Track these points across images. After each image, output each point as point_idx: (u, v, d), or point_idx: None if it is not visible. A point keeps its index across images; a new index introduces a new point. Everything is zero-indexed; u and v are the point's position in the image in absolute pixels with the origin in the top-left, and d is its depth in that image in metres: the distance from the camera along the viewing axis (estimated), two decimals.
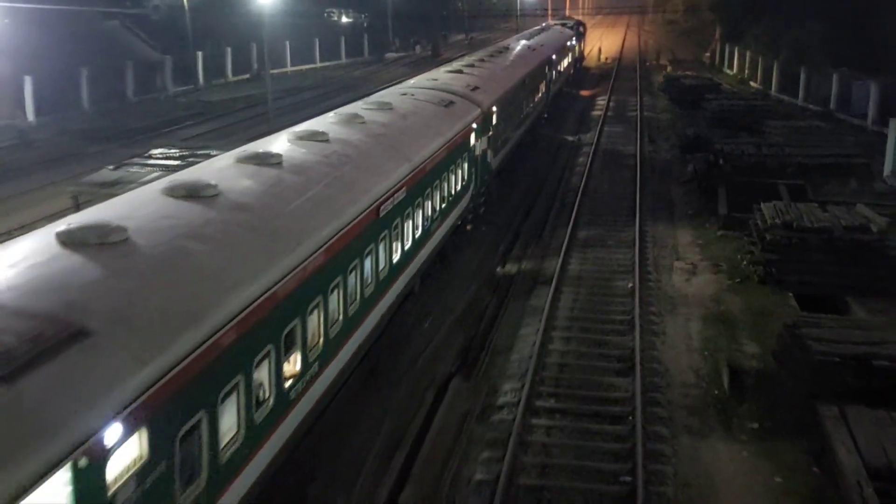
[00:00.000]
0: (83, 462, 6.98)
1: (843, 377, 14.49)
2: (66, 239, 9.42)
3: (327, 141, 16.38)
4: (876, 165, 33.19)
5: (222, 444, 9.55)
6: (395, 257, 16.94)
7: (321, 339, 12.60)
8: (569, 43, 68.81)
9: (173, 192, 11.60)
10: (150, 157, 37.61)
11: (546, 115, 48.67)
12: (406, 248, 17.80)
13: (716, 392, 16.38)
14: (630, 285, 21.82)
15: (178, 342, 8.56)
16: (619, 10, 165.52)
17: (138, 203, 11.39)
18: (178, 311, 8.94)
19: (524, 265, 24.27)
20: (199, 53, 64.95)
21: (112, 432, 7.36)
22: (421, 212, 19.15)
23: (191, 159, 34.81)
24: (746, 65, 68.49)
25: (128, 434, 7.62)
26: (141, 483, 7.88)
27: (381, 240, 15.86)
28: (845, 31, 54.16)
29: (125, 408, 7.55)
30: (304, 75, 73.10)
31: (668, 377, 17.04)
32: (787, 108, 51.10)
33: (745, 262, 23.02)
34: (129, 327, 8.25)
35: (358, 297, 14.40)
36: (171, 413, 8.32)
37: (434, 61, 74.82)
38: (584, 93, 64.67)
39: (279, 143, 16.06)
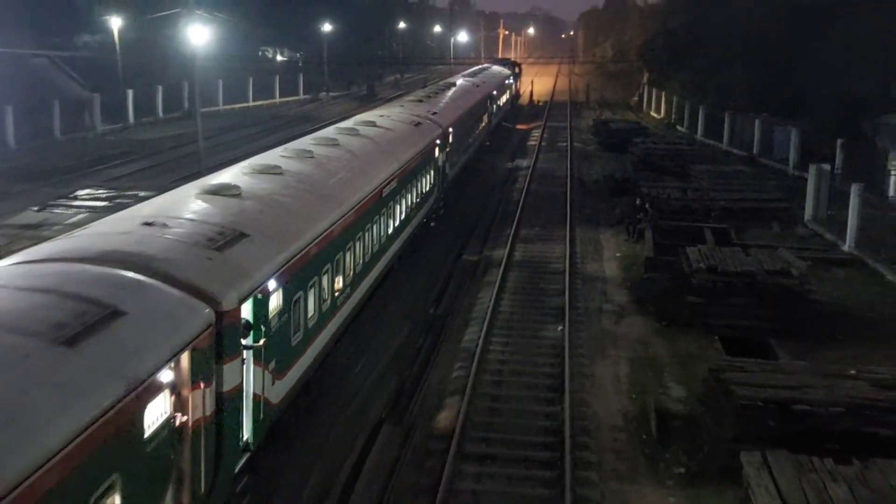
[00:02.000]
0: (260, 296, 12.52)
1: (766, 422, 14.76)
2: (209, 190, 15.22)
3: (337, 145, 22.42)
4: (797, 210, 34.09)
5: (308, 316, 15.27)
6: (392, 226, 23.60)
7: (352, 272, 18.74)
8: (507, 81, 76.63)
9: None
10: (76, 197, 37.25)
11: (488, 143, 55.58)
12: (400, 221, 24.63)
13: (644, 436, 16.57)
14: (560, 328, 22.02)
15: (292, 246, 14.42)
16: (551, 54, 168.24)
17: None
18: (289, 229, 14.93)
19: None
20: (130, 91, 64.32)
21: (269, 284, 12.90)
22: (409, 196, 26.13)
23: (118, 200, 34.62)
24: (673, 109, 69.98)
25: (275, 288, 13.20)
26: (278, 318, 13.49)
27: (384, 213, 22.32)
28: (767, 78, 55.72)
29: (273, 272, 13.17)
30: (239, 113, 72.72)
31: (597, 420, 17.21)
32: (712, 152, 52.36)
33: (671, 306, 23.38)
34: (266, 233, 13.92)
35: (371, 251, 20.73)
36: (289, 285, 13.96)
37: (371, 101, 75.24)
38: (521, 126, 71.16)
39: (320, 140, 22.85)
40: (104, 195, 37.50)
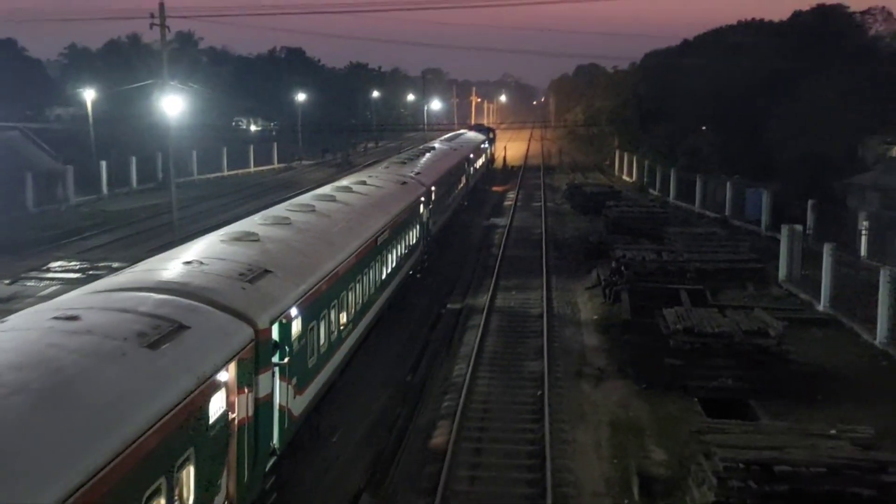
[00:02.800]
0: (284, 321, 14.91)
1: (748, 483, 14.66)
2: (232, 237, 17.95)
3: (335, 200, 24.86)
4: (771, 270, 34.31)
5: (320, 343, 17.74)
6: (386, 272, 26.04)
7: (354, 310, 21.23)
8: (482, 145, 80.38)
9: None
10: (49, 269, 36.98)
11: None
12: (391, 268, 27.12)
13: (626, 501, 16.41)
14: (539, 392, 21.91)
15: (307, 281, 16.94)
16: (524, 120, 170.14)
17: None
18: (303, 268, 17.38)
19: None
20: (103, 163, 64.33)
21: (291, 311, 15.35)
22: (399, 246, 28.83)
23: (91, 272, 34.38)
24: (644, 172, 70.70)
25: (295, 315, 15.55)
26: (298, 342, 15.89)
27: (378, 259, 24.83)
28: (736, 141, 56.58)
29: (294, 302, 15.59)
30: (214, 183, 72.74)
31: (578, 486, 17.04)
32: (685, 214, 52.83)
33: (650, 368, 23.33)
34: (287, 269, 16.54)
35: (368, 293, 23.18)
36: (306, 314, 16.32)
37: (346, 169, 75.57)
38: (497, 188, 74.21)
39: (313, 200, 24.89)
40: (77, 267, 37.25)
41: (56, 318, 11.20)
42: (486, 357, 25.33)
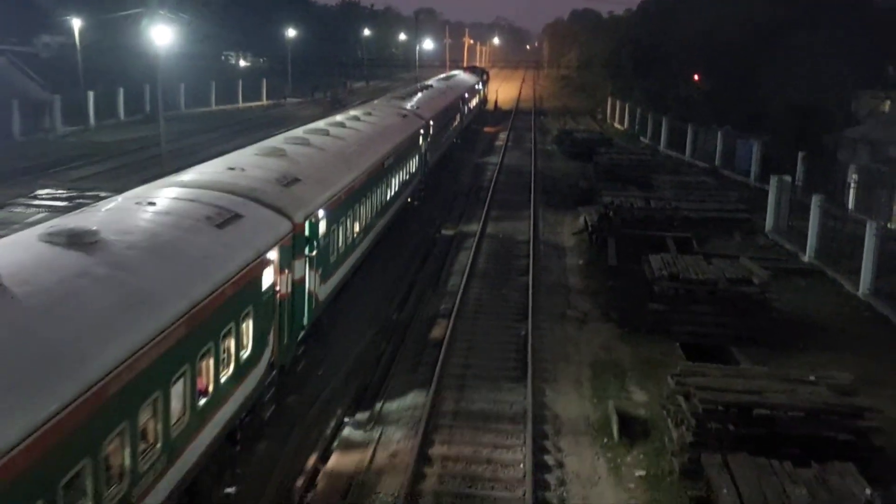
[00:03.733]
0: (313, 220, 17.70)
1: (727, 425, 14.86)
2: (263, 152, 20.79)
3: (345, 127, 27.80)
4: (758, 220, 34.43)
5: (339, 244, 20.96)
6: (390, 194, 29.15)
7: (364, 222, 24.39)
8: (476, 86, 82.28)
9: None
10: (36, 197, 36.78)
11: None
12: (395, 191, 30.21)
13: (605, 440, 16.62)
14: (523, 332, 22.08)
15: (330, 190, 19.88)
16: (516, 63, 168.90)
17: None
18: (326, 179, 20.32)
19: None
20: (91, 93, 63.67)
21: (319, 213, 18.33)
22: (402, 172, 31.91)
23: (79, 200, 34.20)
24: (636, 120, 70.48)
25: (321, 216, 18.61)
26: (324, 240, 18.78)
27: (384, 181, 27.95)
28: (729, 91, 56.34)
29: (321, 205, 18.56)
30: (202, 117, 72.14)
31: (558, 423, 17.24)
32: (675, 163, 52.77)
33: (633, 312, 23.50)
34: (313, 179, 19.22)
35: (375, 210, 26.11)
36: (330, 217, 19.37)
37: (335, 108, 75.01)
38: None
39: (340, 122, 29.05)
40: (64, 195, 37.06)
41: (138, 203, 14.26)
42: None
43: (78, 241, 11.05)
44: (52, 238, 11.03)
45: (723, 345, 21.69)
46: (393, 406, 18.09)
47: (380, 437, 16.58)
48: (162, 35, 45.00)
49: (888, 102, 52.72)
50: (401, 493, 14.13)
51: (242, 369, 13.80)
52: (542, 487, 14.61)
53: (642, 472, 15.34)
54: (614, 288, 26.50)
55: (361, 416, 17.74)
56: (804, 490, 12.74)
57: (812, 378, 16.45)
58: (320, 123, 28.79)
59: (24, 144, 53.56)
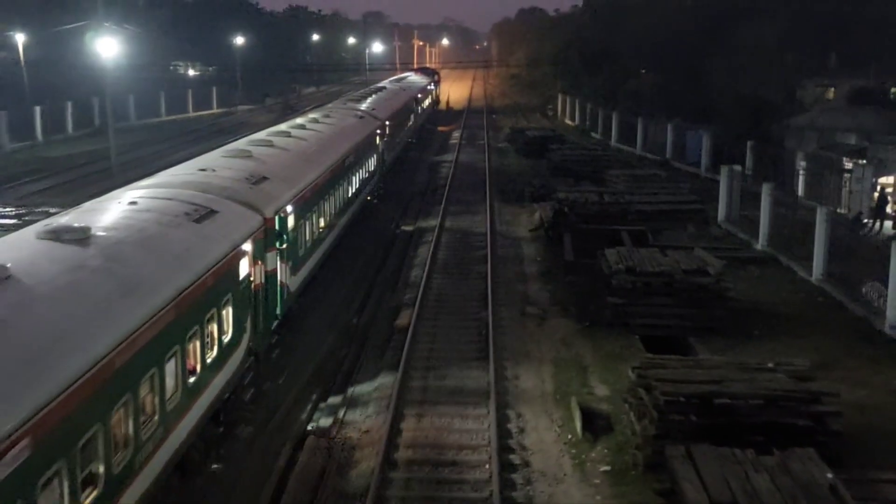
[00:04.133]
0: (282, 215, 18.91)
1: (688, 416, 14.98)
2: (230, 154, 22.25)
3: (306, 129, 29.44)
4: (711, 211, 34.77)
5: (307, 238, 22.41)
6: (351, 191, 30.90)
7: (329, 217, 26.24)
8: (428, 87, 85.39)
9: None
10: None
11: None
12: (355, 188, 31.87)
13: (569, 436, 16.69)
14: (484, 332, 22.11)
15: (296, 187, 21.29)
16: (466, 63, 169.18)
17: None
18: (292, 177, 21.79)
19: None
20: (38, 108, 62.76)
21: (287, 208, 19.67)
22: (361, 170, 33.57)
23: (27, 217, 33.68)
24: (587, 116, 70.87)
25: (290, 211, 19.77)
26: (292, 234, 20.11)
27: (346, 178, 29.69)
28: (677, 84, 56.86)
29: (288, 200, 19.95)
30: (152, 128, 71.35)
31: (521, 421, 17.29)
32: (627, 157, 53.14)
33: (592, 307, 23.62)
34: (279, 178, 20.32)
35: (338, 205, 27.83)
36: (297, 212, 20.70)
37: (287, 114, 74.58)
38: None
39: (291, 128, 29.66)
40: (13, 213, 36.51)
41: (119, 202, 15.50)
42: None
43: (72, 237, 12.26)
44: (48, 235, 12.20)
45: (681, 336, 21.89)
46: (364, 388, 19.31)
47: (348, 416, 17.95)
48: (108, 47, 44.57)
49: (833, 90, 53.57)
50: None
51: (225, 352, 15.15)
52: (508, 487, 14.62)
53: (607, 468, 15.42)
54: (572, 283, 26.63)
55: (334, 399, 18.93)
56: (767, 477, 12.87)
57: (770, 365, 16.64)
58: (282, 126, 30.74)
59: None
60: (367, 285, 28.00)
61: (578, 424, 16.92)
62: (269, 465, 15.78)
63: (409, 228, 36.06)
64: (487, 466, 15.25)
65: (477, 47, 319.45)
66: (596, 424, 17.01)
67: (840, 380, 18.12)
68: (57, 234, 12.19)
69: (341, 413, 18.02)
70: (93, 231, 12.71)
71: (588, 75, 73.68)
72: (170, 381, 12.43)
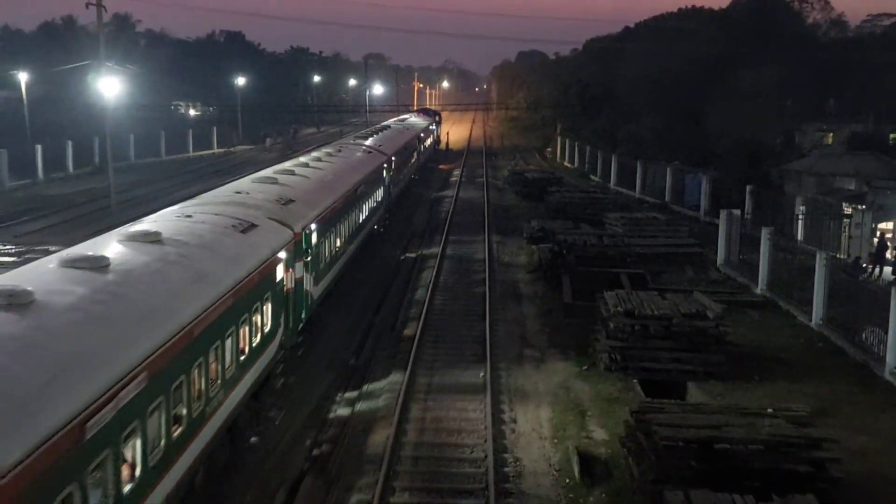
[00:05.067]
0: (307, 231, 22.47)
1: (688, 461, 14.85)
2: (258, 179, 25.96)
3: (321, 161, 32.79)
4: (710, 254, 34.76)
5: (326, 254, 25.54)
6: (362, 217, 34.17)
7: (345, 237, 29.59)
8: (430, 126, 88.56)
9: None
10: None
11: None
12: (365, 215, 35.18)
13: (567, 480, 16.53)
14: (482, 374, 22.00)
15: (318, 208, 24.41)
16: (466, 105, 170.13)
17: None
18: (313, 200, 24.86)
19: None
20: (38, 147, 62.94)
21: (311, 226, 23.03)
22: (370, 199, 37.00)
23: (27, 255, 33.63)
24: (586, 158, 71.07)
25: (313, 229, 23.25)
26: (315, 248, 23.45)
27: (358, 205, 33.02)
28: (676, 128, 57.09)
29: (312, 219, 23.29)
30: (152, 167, 71.50)
31: (519, 466, 17.13)
32: (626, 199, 53.18)
33: (590, 350, 23.52)
34: (303, 201, 23.45)
35: (351, 229, 30.86)
36: (319, 230, 23.89)
37: (287, 155, 74.83)
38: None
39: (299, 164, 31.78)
40: (13, 251, 36.48)
41: (178, 216, 18.56)
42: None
43: (150, 239, 15.25)
44: (131, 237, 15.30)
45: (680, 380, 21.76)
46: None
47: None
48: (109, 87, 44.72)
49: (831, 135, 53.78)
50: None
51: (264, 341, 18.12)
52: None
53: None
54: (570, 325, 26.54)
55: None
56: None
57: (770, 411, 16.53)
58: (300, 158, 34.29)
59: None
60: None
61: (576, 468, 16.76)
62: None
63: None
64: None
65: (477, 89, 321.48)
66: (594, 469, 16.85)
67: (840, 426, 18.00)
68: (138, 237, 15.26)
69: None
70: (164, 235, 15.71)
71: (587, 118, 74.05)
72: (228, 355, 15.32)
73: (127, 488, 10.90)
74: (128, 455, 11.02)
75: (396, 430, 18.28)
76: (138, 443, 11.25)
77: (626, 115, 67.27)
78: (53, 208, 49.52)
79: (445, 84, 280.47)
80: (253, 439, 18.08)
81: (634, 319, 22.42)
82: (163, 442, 12.23)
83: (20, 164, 60.94)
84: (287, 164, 31.17)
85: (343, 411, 20.53)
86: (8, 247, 37.57)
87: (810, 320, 26.37)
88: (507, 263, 36.14)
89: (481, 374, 22.13)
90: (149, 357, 11.53)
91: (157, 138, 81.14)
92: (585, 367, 22.80)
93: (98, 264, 12.90)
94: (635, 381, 21.74)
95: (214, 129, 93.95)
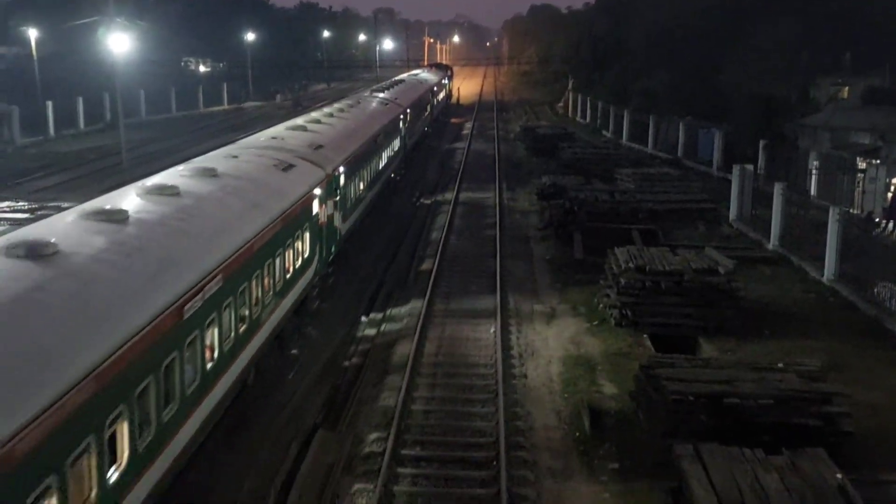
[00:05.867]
0: (336, 173, 24.91)
1: (697, 415, 14.91)
2: (290, 127, 28.18)
3: (344, 111, 35.87)
4: (722, 210, 34.63)
5: (352, 195, 28.23)
6: (382, 164, 36.84)
7: (368, 180, 32.25)
8: (442, 81, 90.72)
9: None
10: None
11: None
12: (385, 162, 38.07)
13: (577, 434, 16.62)
14: (493, 330, 22.06)
15: (346, 153, 27.32)
16: (477, 60, 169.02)
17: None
18: (341, 145, 27.74)
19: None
20: (49, 103, 62.90)
21: (340, 168, 25.52)
22: (389, 147, 39.97)
23: (40, 212, 33.75)
24: (598, 114, 70.65)
25: (341, 171, 25.76)
26: (343, 188, 26.20)
27: (379, 151, 36.02)
28: (690, 82, 56.58)
29: (341, 162, 25.93)
30: (162, 124, 71.43)
31: (530, 420, 17.21)
32: (638, 155, 52.89)
33: (601, 306, 23.53)
34: (331, 146, 26.56)
35: (374, 172, 33.96)
36: (346, 172, 26.45)
37: (297, 111, 74.61)
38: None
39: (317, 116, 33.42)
40: (26, 207, 36.62)
41: (225, 157, 20.69)
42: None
43: (208, 174, 17.66)
44: (193, 172, 17.56)
45: (691, 335, 21.78)
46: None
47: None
48: (119, 43, 44.58)
49: (847, 89, 53.25)
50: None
51: (304, 265, 20.72)
52: (516, 483, 14.54)
53: (615, 466, 15.35)
54: (581, 281, 26.54)
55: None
56: (776, 476, 12.77)
57: (780, 365, 16.57)
58: (325, 109, 36.67)
59: None
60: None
61: (587, 422, 16.84)
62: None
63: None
64: (495, 463, 15.19)
65: (488, 44, 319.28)
66: (604, 422, 16.94)
67: (851, 380, 18.00)
68: (199, 172, 17.66)
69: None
70: (219, 171, 18.02)
71: (599, 73, 73.46)
72: (277, 272, 17.93)
73: (209, 366, 13.57)
74: (208, 340, 13.55)
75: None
76: (216, 331, 13.90)
77: (639, 70, 66.70)
78: (65, 165, 49.62)
79: (456, 39, 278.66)
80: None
81: (645, 275, 22.39)
82: (232, 334, 14.79)
83: (31, 120, 60.99)
84: (314, 115, 33.40)
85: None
86: (21, 203, 37.69)
87: (822, 275, 26.30)
88: (518, 211, 38.48)
89: (492, 329, 22.19)
90: (223, 263, 14.18)
91: (168, 94, 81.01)
92: (596, 323, 22.82)
93: (173, 192, 15.49)
94: (646, 336, 21.77)
95: (225, 85, 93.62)
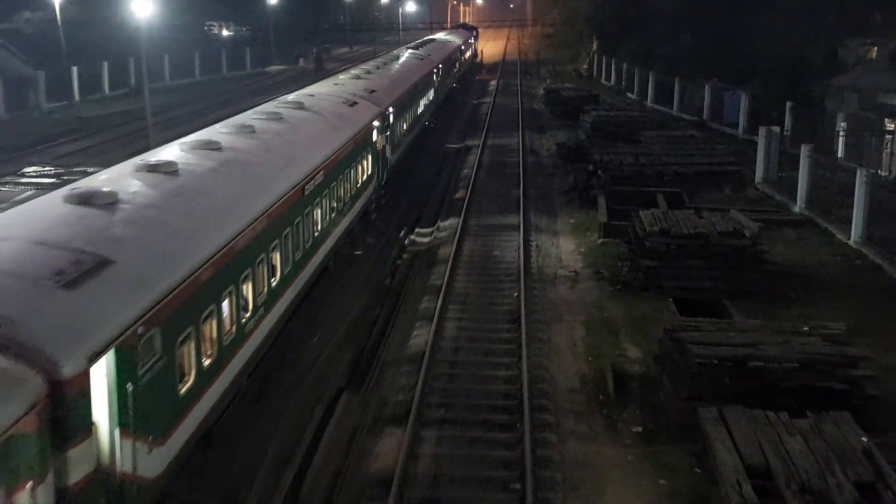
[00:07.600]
0: (387, 111, 31.58)
1: (722, 379, 14.92)
2: (288, 102, 25.99)
3: (388, 65, 43.79)
4: (748, 172, 34.39)
5: (399, 132, 35.15)
6: (420, 108, 43.60)
7: (407, 124, 38.19)
8: (469, 40, 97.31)
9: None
10: (23, 175, 36.57)
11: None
12: (423, 108, 44.75)
13: (601, 397, 16.69)
14: (515, 294, 22.11)
15: (393, 96, 34.00)
16: (500, 22, 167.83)
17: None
18: (390, 90, 34.19)
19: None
20: (75, 68, 63.10)
21: (389, 108, 32.11)
22: (424, 99, 45.60)
23: (66, 177, 33.99)
24: (623, 76, 70.09)
25: (392, 111, 32.58)
26: (392, 127, 32.79)
27: (414, 104, 41.01)
28: (716, 44, 55.95)
29: (390, 104, 32.43)
30: (187, 88, 71.49)
31: (554, 383, 17.29)
32: (663, 117, 52.43)
33: (625, 269, 23.49)
34: (381, 91, 32.32)
35: (414, 115, 40.67)
36: (395, 113, 33.44)
37: (320, 75, 74.42)
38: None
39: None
40: (52, 172, 36.88)
41: (305, 96, 26.42)
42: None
43: (297, 107, 23.37)
44: (285, 104, 23.89)
45: (715, 299, 21.74)
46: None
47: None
48: (143, 7, 44.48)
49: (875, 49, 52.51)
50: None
51: (367, 182, 26.18)
52: (540, 446, 14.64)
53: (639, 429, 15.42)
54: (605, 244, 26.51)
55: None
56: (800, 439, 12.80)
57: (805, 329, 16.54)
58: (371, 62, 45.95)
59: (9, 122, 53.20)
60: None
61: (611, 385, 16.90)
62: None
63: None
64: (518, 425, 15.31)
65: (512, 6, 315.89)
66: (628, 385, 16.99)
67: (877, 344, 17.94)
68: (290, 105, 23.56)
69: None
70: (305, 105, 23.61)
71: (625, 35, 72.75)
72: (351, 181, 23.69)
73: (309, 245, 18.85)
74: (315, 218, 19.43)
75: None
76: (319, 212, 19.71)
77: (664, 32, 66.00)
78: (91, 130, 49.86)
79: (480, 1, 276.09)
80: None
81: (670, 238, 22.33)
82: (320, 226, 20.11)
83: (57, 86, 61.28)
84: (366, 66, 41.17)
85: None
86: (47, 168, 37.97)
87: (849, 238, 26.12)
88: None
89: (514, 293, 22.25)
90: (324, 161, 19.82)
91: (192, 59, 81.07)
92: (619, 287, 22.80)
93: (275, 117, 20.96)
94: (670, 300, 21.75)
95: (248, 49, 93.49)
